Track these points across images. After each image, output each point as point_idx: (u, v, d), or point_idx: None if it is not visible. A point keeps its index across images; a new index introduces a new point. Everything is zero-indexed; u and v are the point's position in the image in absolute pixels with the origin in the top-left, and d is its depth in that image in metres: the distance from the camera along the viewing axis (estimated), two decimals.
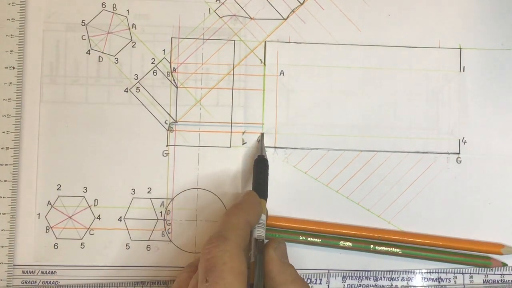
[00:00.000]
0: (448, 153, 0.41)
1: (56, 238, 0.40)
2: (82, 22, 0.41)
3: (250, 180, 0.40)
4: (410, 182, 0.40)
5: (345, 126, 0.41)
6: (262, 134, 0.40)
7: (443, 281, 0.40)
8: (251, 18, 0.41)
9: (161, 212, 0.40)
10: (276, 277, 0.32)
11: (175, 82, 0.41)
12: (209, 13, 0.41)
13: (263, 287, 0.32)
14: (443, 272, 0.40)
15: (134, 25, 0.41)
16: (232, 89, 0.41)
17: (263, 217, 0.35)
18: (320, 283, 0.40)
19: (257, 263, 0.32)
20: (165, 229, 0.40)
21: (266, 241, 0.34)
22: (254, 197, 0.36)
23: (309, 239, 0.39)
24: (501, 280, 0.40)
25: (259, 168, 0.38)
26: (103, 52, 0.41)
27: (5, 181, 0.40)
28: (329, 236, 0.40)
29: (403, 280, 0.40)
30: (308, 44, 0.41)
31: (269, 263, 0.33)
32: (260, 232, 0.34)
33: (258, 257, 0.33)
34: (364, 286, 0.40)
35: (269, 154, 0.40)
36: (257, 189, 0.37)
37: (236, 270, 0.30)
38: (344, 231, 0.40)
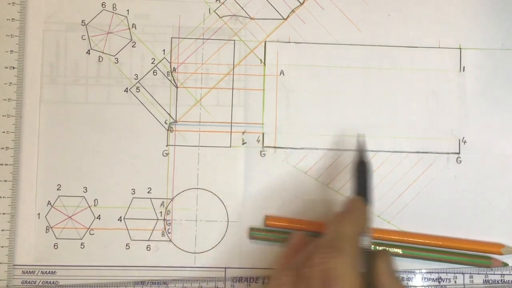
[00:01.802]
0: (448, 153, 0.41)
1: (56, 238, 0.40)
2: (82, 22, 0.41)
3: (253, 180, 0.40)
4: (410, 182, 0.40)
5: (345, 126, 0.41)
6: (362, 136, 0.38)
7: (443, 281, 0.40)
8: (251, 18, 0.41)
9: (161, 212, 0.40)
10: None
11: (175, 82, 0.41)
12: (209, 13, 0.41)
13: None
14: (443, 272, 0.40)
15: (134, 25, 0.41)
16: (232, 89, 0.41)
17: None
18: None
19: (368, 274, 0.32)
20: (165, 229, 0.40)
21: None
22: (361, 204, 0.35)
23: None
24: (501, 280, 0.40)
25: (361, 172, 0.36)
26: (103, 52, 0.41)
27: (5, 181, 0.40)
28: None
29: (403, 280, 0.40)
30: (308, 44, 0.41)
31: (381, 275, 0.32)
32: (367, 241, 0.34)
33: (368, 268, 0.32)
34: None
35: (269, 154, 0.40)
36: (361, 195, 0.36)
37: (353, 283, 0.30)
38: None
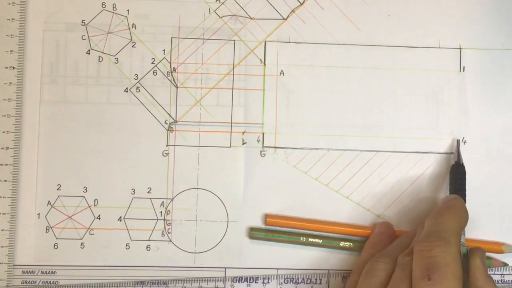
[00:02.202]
0: (448, 153, 0.41)
1: (56, 238, 0.40)
2: (82, 22, 0.41)
3: (253, 180, 0.40)
4: (410, 182, 0.40)
5: (345, 126, 0.41)
6: (458, 141, 0.40)
7: None
8: (251, 18, 0.41)
9: (161, 212, 0.40)
10: (481, 286, 0.33)
11: (175, 82, 0.41)
12: (209, 13, 0.41)
13: None
14: None
15: (134, 25, 0.41)
16: (232, 89, 0.41)
17: None
18: (320, 283, 0.40)
19: (464, 269, 0.32)
20: (165, 229, 0.40)
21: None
22: (462, 201, 0.37)
23: (309, 240, 0.39)
24: (501, 280, 0.40)
25: (457, 174, 0.39)
26: (103, 52, 0.41)
27: (5, 181, 0.40)
28: (329, 236, 0.40)
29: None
30: (308, 44, 0.41)
31: (476, 271, 0.33)
32: (463, 239, 0.35)
33: (465, 263, 0.33)
34: None
35: (269, 154, 0.40)
36: (458, 193, 0.38)
37: (457, 274, 0.31)
38: (344, 231, 0.40)
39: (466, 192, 0.39)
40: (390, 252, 0.35)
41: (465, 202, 0.38)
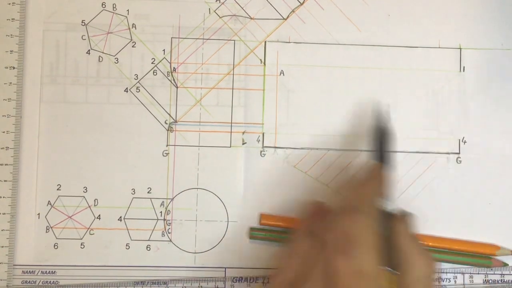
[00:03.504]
0: (448, 153, 0.41)
1: (56, 238, 0.40)
2: (82, 22, 0.41)
3: (253, 180, 0.40)
4: (410, 182, 0.40)
5: (345, 126, 0.41)
6: (379, 103, 0.39)
7: (443, 281, 0.40)
8: (251, 18, 0.41)
9: (161, 212, 0.40)
10: (405, 250, 0.32)
11: (175, 82, 0.41)
12: (209, 13, 0.41)
13: (392, 259, 0.32)
14: (443, 272, 0.40)
15: (134, 25, 0.41)
16: (232, 89, 0.41)
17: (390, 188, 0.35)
18: None
19: (386, 235, 0.32)
20: (165, 229, 0.40)
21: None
22: (380, 169, 0.36)
23: None
24: (501, 280, 0.40)
25: (379, 137, 0.37)
26: (103, 52, 0.41)
27: (5, 181, 0.40)
28: None
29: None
30: (308, 44, 0.41)
31: (400, 236, 0.33)
32: (388, 205, 0.34)
33: (387, 229, 0.33)
34: None
35: (269, 154, 0.40)
36: (381, 160, 0.36)
37: (371, 243, 0.30)
38: None
39: (470, 193, 0.38)
40: (316, 230, 0.33)
41: (391, 167, 0.36)
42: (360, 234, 0.30)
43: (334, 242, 0.30)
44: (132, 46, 0.41)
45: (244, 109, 0.41)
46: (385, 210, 0.33)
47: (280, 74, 0.41)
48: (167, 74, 0.41)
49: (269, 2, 0.41)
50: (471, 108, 0.41)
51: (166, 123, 0.41)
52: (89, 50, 0.41)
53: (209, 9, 0.41)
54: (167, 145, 0.40)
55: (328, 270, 0.30)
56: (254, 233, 0.40)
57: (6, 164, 0.40)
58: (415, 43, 0.41)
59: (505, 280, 0.40)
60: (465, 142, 0.41)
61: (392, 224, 0.33)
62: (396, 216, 0.34)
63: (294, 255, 0.33)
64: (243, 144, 0.41)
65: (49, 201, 0.40)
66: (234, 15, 0.41)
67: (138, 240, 0.40)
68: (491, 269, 0.40)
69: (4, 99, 0.40)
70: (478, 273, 0.40)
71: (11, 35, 0.40)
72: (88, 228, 0.40)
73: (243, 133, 0.41)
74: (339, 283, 0.29)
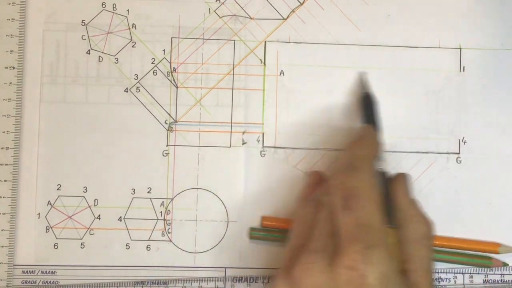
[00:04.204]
0: (448, 153, 0.41)
1: (56, 238, 0.40)
2: (82, 22, 0.41)
3: (253, 180, 0.40)
4: None
5: (345, 126, 0.41)
6: (363, 73, 0.40)
7: (443, 281, 0.40)
8: (251, 18, 0.41)
9: (161, 212, 0.40)
10: (404, 209, 0.33)
11: (175, 82, 0.41)
12: (209, 13, 0.41)
13: (391, 218, 0.33)
14: (443, 272, 0.40)
15: (134, 25, 0.41)
16: (232, 89, 0.41)
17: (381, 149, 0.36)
18: None
19: (384, 195, 0.33)
20: (165, 229, 0.40)
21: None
22: (371, 130, 0.37)
23: None
24: (501, 280, 0.40)
25: (367, 103, 0.39)
26: (103, 52, 0.41)
27: (5, 181, 0.40)
28: None
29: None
30: (308, 44, 0.41)
31: (398, 196, 0.34)
32: (381, 165, 0.35)
33: (384, 189, 0.33)
34: None
35: (269, 154, 0.40)
36: (369, 123, 0.38)
37: (373, 198, 0.31)
38: None
39: (470, 193, 0.38)
40: (315, 195, 0.35)
41: (380, 129, 0.38)
42: (363, 188, 0.31)
43: (336, 200, 0.31)
44: (132, 46, 0.41)
45: (244, 109, 0.41)
46: (382, 170, 0.34)
47: (280, 74, 0.41)
48: (167, 74, 0.41)
49: (269, 2, 0.41)
50: (471, 108, 0.41)
51: (166, 123, 0.41)
52: (89, 50, 0.41)
53: (209, 9, 0.41)
54: (167, 145, 0.40)
55: (332, 227, 0.30)
56: (254, 233, 0.40)
57: (6, 164, 0.40)
58: (415, 43, 0.41)
59: (505, 280, 0.40)
60: (465, 142, 0.41)
61: (391, 184, 0.34)
62: (394, 176, 0.34)
63: (298, 222, 0.33)
64: (243, 144, 0.41)
65: (49, 201, 0.40)
66: (234, 15, 0.41)
67: (138, 240, 0.40)
68: (491, 269, 0.40)
69: (4, 99, 0.40)
70: (478, 273, 0.40)
71: (11, 35, 0.40)
72: (88, 228, 0.40)
73: (243, 133, 0.41)
74: (344, 237, 0.29)
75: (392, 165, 0.40)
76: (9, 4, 0.40)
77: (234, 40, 0.41)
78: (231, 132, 0.41)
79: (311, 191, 0.37)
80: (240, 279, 0.40)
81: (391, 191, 0.34)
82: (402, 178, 0.35)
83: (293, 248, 0.32)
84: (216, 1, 0.41)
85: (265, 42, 0.41)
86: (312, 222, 0.32)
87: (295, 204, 0.38)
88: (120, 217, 0.40)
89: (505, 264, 0.40)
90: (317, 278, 0.29)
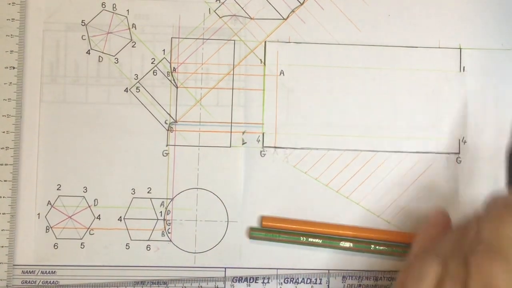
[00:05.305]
0: (448, 153, 0.41)
1: (56, 238, 0.40)
2: (82, 22, 0.41)
3: (253, 180, 0.40)
4: (410, 182, 0.40)
5: (345, 126, 0.41)
6: None
7: None
8: (251, 18, 0.41)
9: (161, 212, 0.40)
10: None
11: (175, 82, 0.41)
12: (209, 13, 0.41)
13: None
14: None
15: (134, 25, 0.41)
16: (232, 89, 0.41)
17: None
18: (320, 283, 0.40)
19: None
20: (165, 229, 0.40)
21: None
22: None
23: (309, 240, 0.39)
24: None
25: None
26: (103, 52, 0.41)
27: (5, 181, 0.40)
28: (329, 236, 0.40)
29: None
30: (308, 44, 0.41)
31: None
32: None
33: None
34: (364, 286, 0.40)
35: (269, 154, 0.40)
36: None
37: None
38: (344, 232, 0.40)
39: (470, 193, 0.38)
40: (441, 251, 0.30)
41: None
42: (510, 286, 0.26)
43: (472, 285, 0.27)
44: (132, 46, 0.41)
45: (244, 109, 0.41)
46: None
47: (280, 74, 0.41)
48: (167, 74, 0.41)
49: (269, 2, 0.41)
50: (471, 108, 0.41)
51: (166, 123, 0.41)
52: (89, 50, 0.41)
53: (209, 9, 0.41)
54: (167, 145, 0.40)
55: None
56: (254, 233, 0.40)
57: (6, 164, 0.40)
58: (415, 43, 0.41)
59: None
60: (465, 142, 0.41)
61: None
62: None
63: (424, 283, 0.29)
64: (243, 144, 0.41)
65: (49, 201, 0.40)
66: (234, 15, 0.41)
67: (138, 240, 0.40)
68: None
69: (4, 99, 0.40)
70: None
71: (11, 35, 0.40)
72: (88, 228, 0.40)
73: (243, 133, 0.41)
74: None
75: (392, 166, 0.40)
76: (9, 4, 0.40)
77: (234, 40, 0.41)
78: (231, 132, 0.41)
79: (435, 233, 0.33)
80: (240, 279, 0.40)
81: None
82: None
83: None
84: (216, 1, 0.41)
85: (265, 42, 0.41)
86: (435, 286, 0.28)
87: (417, 244, 0.33)
88: (120, 217, 0.40)
89: None
90: None
